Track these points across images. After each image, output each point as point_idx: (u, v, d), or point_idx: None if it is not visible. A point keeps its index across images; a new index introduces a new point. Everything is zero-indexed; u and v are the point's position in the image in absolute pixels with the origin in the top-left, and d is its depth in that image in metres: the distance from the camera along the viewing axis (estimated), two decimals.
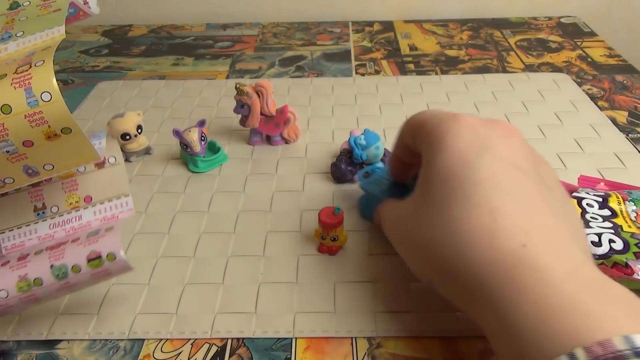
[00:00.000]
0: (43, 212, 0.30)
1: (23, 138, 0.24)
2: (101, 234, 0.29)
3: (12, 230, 0.30)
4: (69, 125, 0.24)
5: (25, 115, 0.23)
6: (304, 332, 0.36)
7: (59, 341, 0.36)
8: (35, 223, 0.30)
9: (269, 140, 0.56)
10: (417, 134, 0.33)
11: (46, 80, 0.24)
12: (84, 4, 0.31)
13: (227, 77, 0.72)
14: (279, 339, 0.35)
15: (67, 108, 0.24)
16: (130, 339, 0.36)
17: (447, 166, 0.28)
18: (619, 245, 0.37)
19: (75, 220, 0.31)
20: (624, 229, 0.39)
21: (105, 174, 0.31)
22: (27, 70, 0.24)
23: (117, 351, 0.35)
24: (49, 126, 0.24)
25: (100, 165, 0.31)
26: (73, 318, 0.37)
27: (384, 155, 0.49)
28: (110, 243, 0.28)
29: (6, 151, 0.24)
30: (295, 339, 0.35)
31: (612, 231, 0.38)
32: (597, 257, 0.37)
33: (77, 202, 0.31)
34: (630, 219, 0.40)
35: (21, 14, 0.28)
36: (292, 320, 0.36)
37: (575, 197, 0.42)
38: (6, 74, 0.24)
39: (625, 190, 0.44)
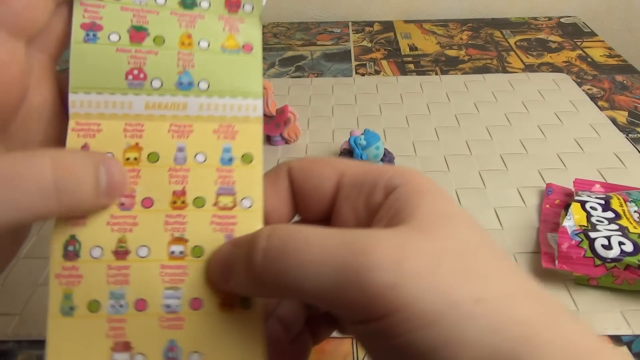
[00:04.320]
0: None
1: (195, 294, 0.18)
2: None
3: None
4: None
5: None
6: None
7: None
8: None
9: (269, 140, 0.56)
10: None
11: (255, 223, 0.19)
12: None
13: None
14: None
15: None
16: None
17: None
18: (629, 247, 0.37)
19: None
20: (631, 230, 0.39)
21: None
22: (231, 207, 0.19)
23: None
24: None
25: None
26: None
27: (384, 155, 0.49)
28: None
29: (166, 306, 0.18)
30: None
31: (620, 233, 0.38)
32: (610, 261, 0.37)
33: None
34: (635, 220, 0.40)
35: (198, 26, 0.20)
36: None
37: (578, 201, 0.42)
38: (204, 200, 0.19)
39: (624, 191, 0.44)
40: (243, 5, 0.21)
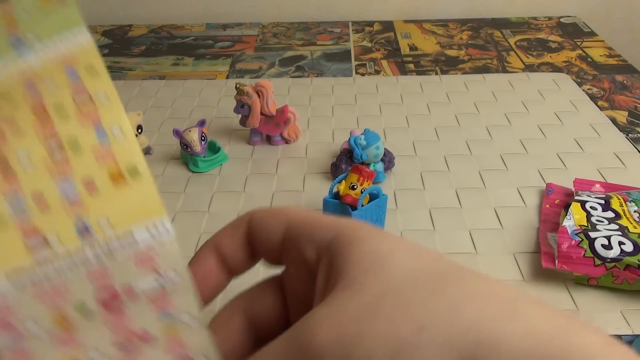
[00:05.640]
0: None
1: (86, 177, 0.21)
2: None
3: None
4: (135, 164, 0.21)
5: (92, 148, 0.21)
6: None
7: None
8: None
9: (269, 140, 0.56)
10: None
11: (116, 111, 0.22)
12: None
13: (227, 77, 0.72)
14: None
15: (139, 147, 0.22)
16: None
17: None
18: (629, 247, 0.37)
19: None
20: (631, 230, 0.39)
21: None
22: (90, 103, 0.22)
23: None
24: (116, 163, 0.21)
25: None
26: None
27: (384, 155, 0.49)
28: None
29: (64, 194, 0.21)
30: None
31: (620, 233, 0.38)
32: (609, 260, 0.37)
33: None
34: (635, 220, 0.40)
35: (14, 4, 0.24)
36: None
37: (578, 201, 0.42)
38: (63, 103, 0.22)
39: (624, 191, 0.44)
40: None
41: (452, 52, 0.78)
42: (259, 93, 0.53)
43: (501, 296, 0.16)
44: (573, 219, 0.40)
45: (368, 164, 0.48)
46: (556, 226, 0.42)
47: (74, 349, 0.19)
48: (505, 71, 0.71)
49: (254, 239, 0.22)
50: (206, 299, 0.23)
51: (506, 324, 0.15)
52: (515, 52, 0.77)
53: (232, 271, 0.22)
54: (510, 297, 0.16)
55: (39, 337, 0.19)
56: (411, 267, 0.17)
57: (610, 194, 0.43)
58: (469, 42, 0.81)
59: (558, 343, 0.15)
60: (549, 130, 0.57)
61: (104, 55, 0.79)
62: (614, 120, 0.59)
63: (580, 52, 0.76)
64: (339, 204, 0.40)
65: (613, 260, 0.36)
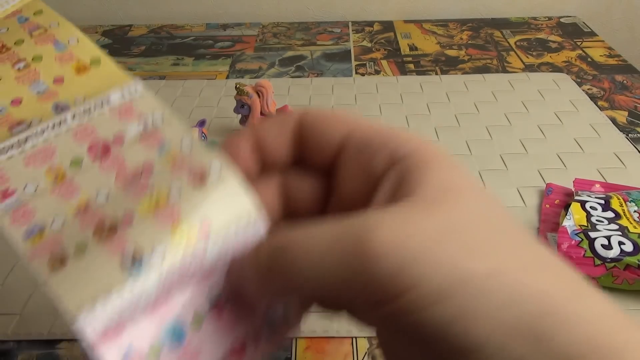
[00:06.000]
0: (139, 263, 0.18)
1: (53, 76, 0.24)
2: None
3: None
4: (97, 56, 0.25)
5: (55, 57, 0.24)
6: (304, 332, 0.36)
7: (59, 341, 0.36)
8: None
9: None
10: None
11: (70, 30, 0.25)
12: None
13: (227, 77, 0.72)
14: None
15: (94, 44, 0.25)
16: None
17: None
18: (629, 247, 0.37)
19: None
20: (631, 230, 0.39)
21: (217, 191, 0.19)
22: (46, 31, 0.25)
23: None
24: (78, 60, 0.24)
25: (201, 179, 0.20)
26: None
27: None
28: None
29: (37, 92, 0.24)
30: (296, 338, 0.35)
31: (620, 233, 0.38)
32: (609, 261, 0.37)
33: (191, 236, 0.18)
34: (635, 220, 0.40)
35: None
36: None
37: (578, 201, 0.42)
38: (23, 39, 0.25)
39: (624, 191, 0.44)
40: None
41: (452, 52, 0.78)
42: (259, 93, 0.53)
43: (567, 273, 0.16)
44: (573, 219, 0.40)
45: None
46: (556, 226, 0.42)
47: (81, 197, 0.20)
48: (505, 71, 0.71)
49: (305, 139, 0.20)
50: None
51: (575, 304, 0.15)
52: (515, 52, 0.77)
53: (266, 165, 0.21)
54: (574, 277, 0.16)
55: (43, 196, 0.20)
56: (481, 207, 0.17)
57: (610, 194, 0.44)
58: (469, 42, 0.81)
59: (619, 337, 0.15)
60: (549, 130, 0.57)
61: None
62: (614, 120, 0.59)
63: (580, 52, 0.77)
64: None
65: (613, 260, 0.36)
